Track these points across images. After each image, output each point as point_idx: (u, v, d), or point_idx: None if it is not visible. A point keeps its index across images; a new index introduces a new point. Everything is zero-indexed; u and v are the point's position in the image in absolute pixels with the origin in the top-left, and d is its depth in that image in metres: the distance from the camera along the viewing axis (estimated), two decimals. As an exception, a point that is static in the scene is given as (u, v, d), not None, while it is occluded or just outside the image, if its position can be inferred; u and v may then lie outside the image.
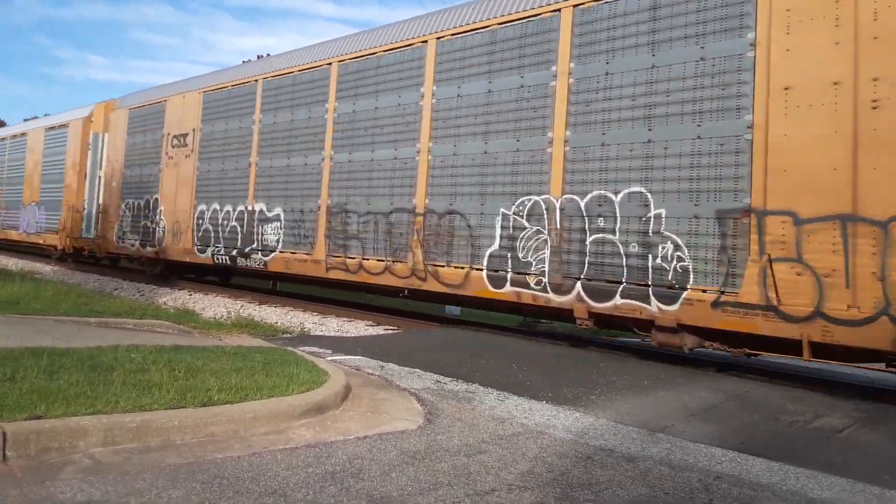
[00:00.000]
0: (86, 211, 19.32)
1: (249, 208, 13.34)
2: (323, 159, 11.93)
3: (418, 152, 10.40)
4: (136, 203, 16.99)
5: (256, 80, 13.75)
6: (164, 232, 15.75)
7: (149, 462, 3.68)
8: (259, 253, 12.95)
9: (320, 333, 10.28)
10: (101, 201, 18.88)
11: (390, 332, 10.49)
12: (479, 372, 6.88)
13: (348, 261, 11.17)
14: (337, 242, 11.44)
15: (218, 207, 14.17)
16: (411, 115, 10.56)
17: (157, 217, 16.04)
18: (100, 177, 19.15)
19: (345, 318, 11.71)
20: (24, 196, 22.97)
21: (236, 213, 13.67)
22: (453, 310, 13.36)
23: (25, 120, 26.69)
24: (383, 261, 10.64)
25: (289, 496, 3.37)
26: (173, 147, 15.79)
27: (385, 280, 10.61)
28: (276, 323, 10.99)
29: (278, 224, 12.65)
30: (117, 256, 18.65)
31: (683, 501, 3.69)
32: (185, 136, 15.47)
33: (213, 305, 13.27)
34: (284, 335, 9.53)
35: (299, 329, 10.56)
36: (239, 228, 13.54)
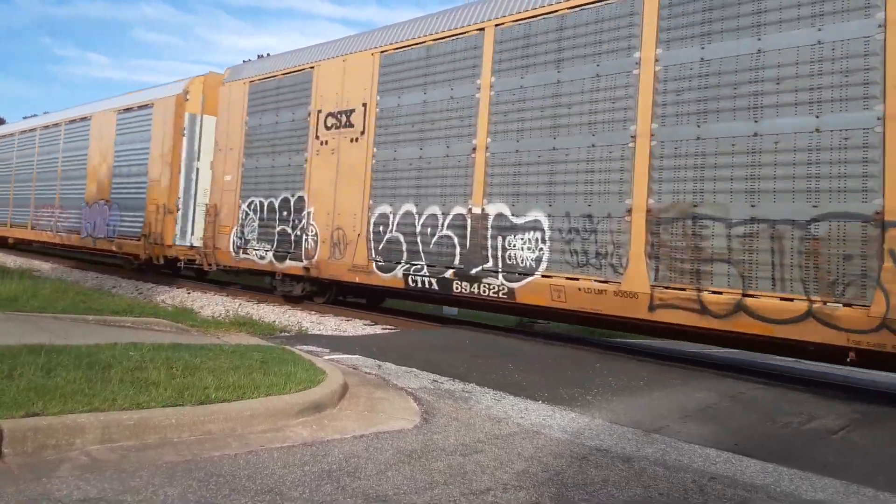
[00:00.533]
0: (180, 212, 15.61)
1: (476, 211, 9.50)
2: (632, 138, 7.99)
3: (880, 120, 6.36)
4: (267, 203, 13.00)
5: (482, 29, 9.73)
6: (315, 241, 11.91)
7: (146, 460, 3.69)
8: (499, 275, 9.14)
9: (318, 332, 10.29)
10: (207, 200, 15.04)
11: (388, 331, 10.51)
12: (475, 372, 6.90)
13: (707, 296, 7.25)
14: (677, 266, 7.52)
15: (414, 209, 10.37)
16: (855, 59, 6.57)
17: (303, 221, 12.18)
18: (198, 169, 15.66)
19: (342, 318, 11.72)
20: (87, 193, 19.01)
21: (450, 217, 9.86)
22: (450, 310, 13.38)
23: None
24: (804, 300, 6.65)
25: (285, 494, 3.39)
26: (328, 129, 11.92)
27: (805, 333, 6.65)
28: (274, 322, 10.99)
29: (537, 235, 8.78)
30: (236, 270, 14.44)
31: (678, 502, 3.71)
32: (348, 113, 11.60)
33: (212, 304, 13.28)
34: (282, 334, 9.54)
35: (297, 328, 10.58)
36: (456, 240, 9.75)
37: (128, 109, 17.88)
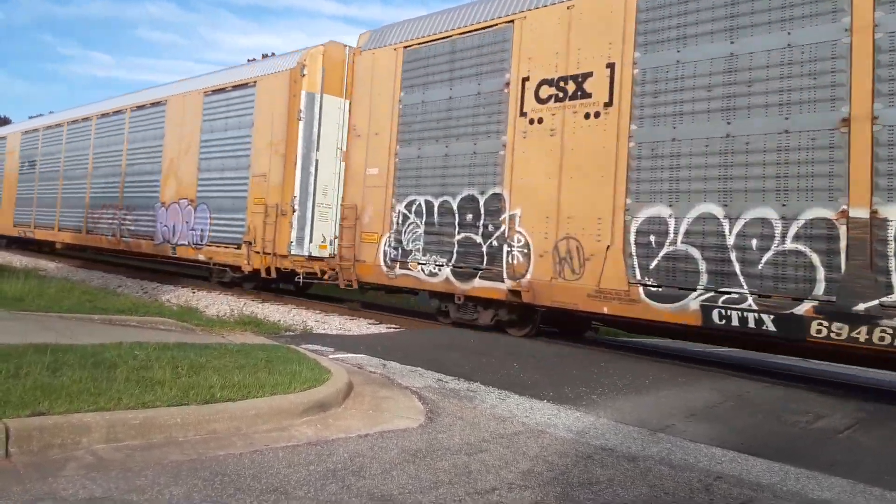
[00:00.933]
0: (296, 214, 12.87)
1: (859, 215, 6.48)
2: None
3: None
4: (437, 203, 10.28)
5: None
6: (525, 255, 9.09)
7: (151, 459, 3.70)
8: None
9: (323, 331, 10.30)
10: (326, 200, 12.99)
11: (392, 330, 10.52)
12: (480, 371, 6.89)
13: None
14: None
15: (719, 212, 7.37)
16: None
17: (501, 227, 9.41)
18: (317, 161, 13.02)
19: (347, 317, 11.74)
20: (162, 191, 16.32)
21: (799, 224, 6.82)
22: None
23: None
24: None
25: (290, 494, 3.39)
26: (542, 102, 9.10)
27: None
28: (279, 321, 11.02)
29: None
30: (387, 288, 11.73)
31: (683, 501, 3.70)
32: (578, 79, 8.73)
33: (217, 303, 13.31)
34: (287, 333, 9.55)
35: (302, 327, 10.59)
36: (816, 258, 6.70)
37: (219, 90, 14.99)
